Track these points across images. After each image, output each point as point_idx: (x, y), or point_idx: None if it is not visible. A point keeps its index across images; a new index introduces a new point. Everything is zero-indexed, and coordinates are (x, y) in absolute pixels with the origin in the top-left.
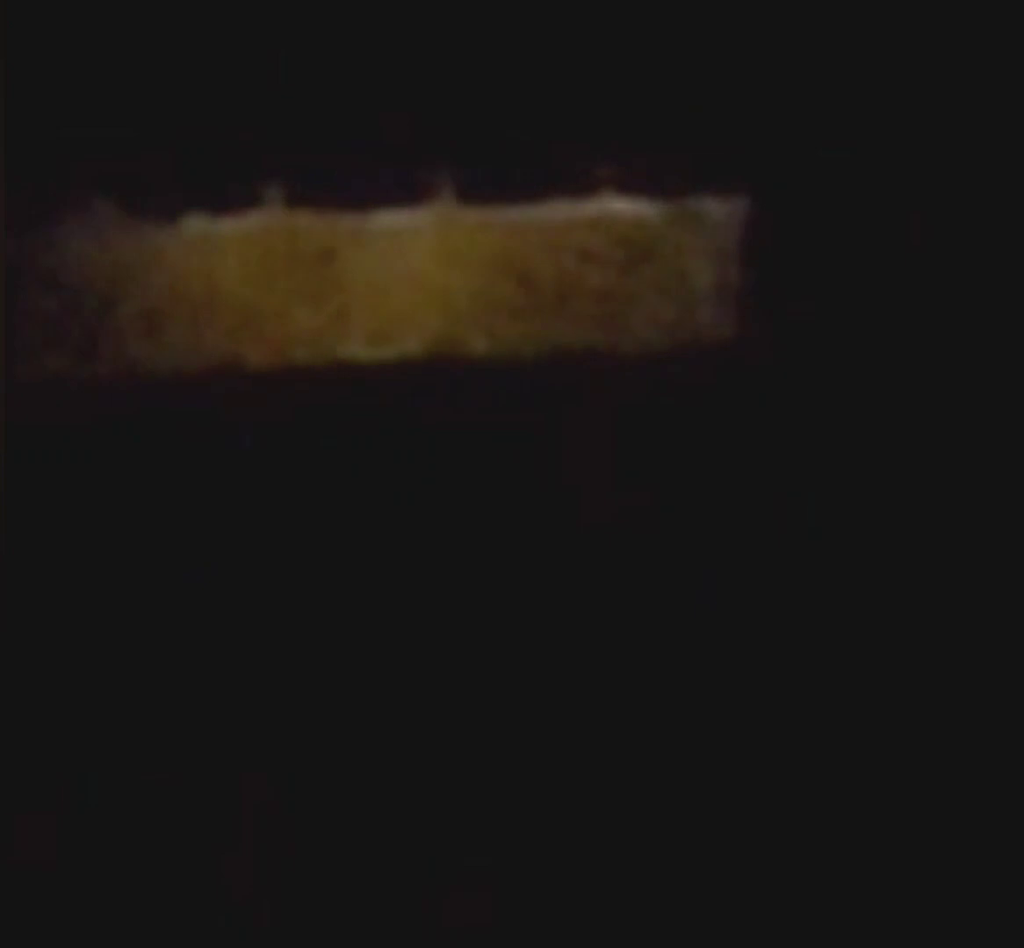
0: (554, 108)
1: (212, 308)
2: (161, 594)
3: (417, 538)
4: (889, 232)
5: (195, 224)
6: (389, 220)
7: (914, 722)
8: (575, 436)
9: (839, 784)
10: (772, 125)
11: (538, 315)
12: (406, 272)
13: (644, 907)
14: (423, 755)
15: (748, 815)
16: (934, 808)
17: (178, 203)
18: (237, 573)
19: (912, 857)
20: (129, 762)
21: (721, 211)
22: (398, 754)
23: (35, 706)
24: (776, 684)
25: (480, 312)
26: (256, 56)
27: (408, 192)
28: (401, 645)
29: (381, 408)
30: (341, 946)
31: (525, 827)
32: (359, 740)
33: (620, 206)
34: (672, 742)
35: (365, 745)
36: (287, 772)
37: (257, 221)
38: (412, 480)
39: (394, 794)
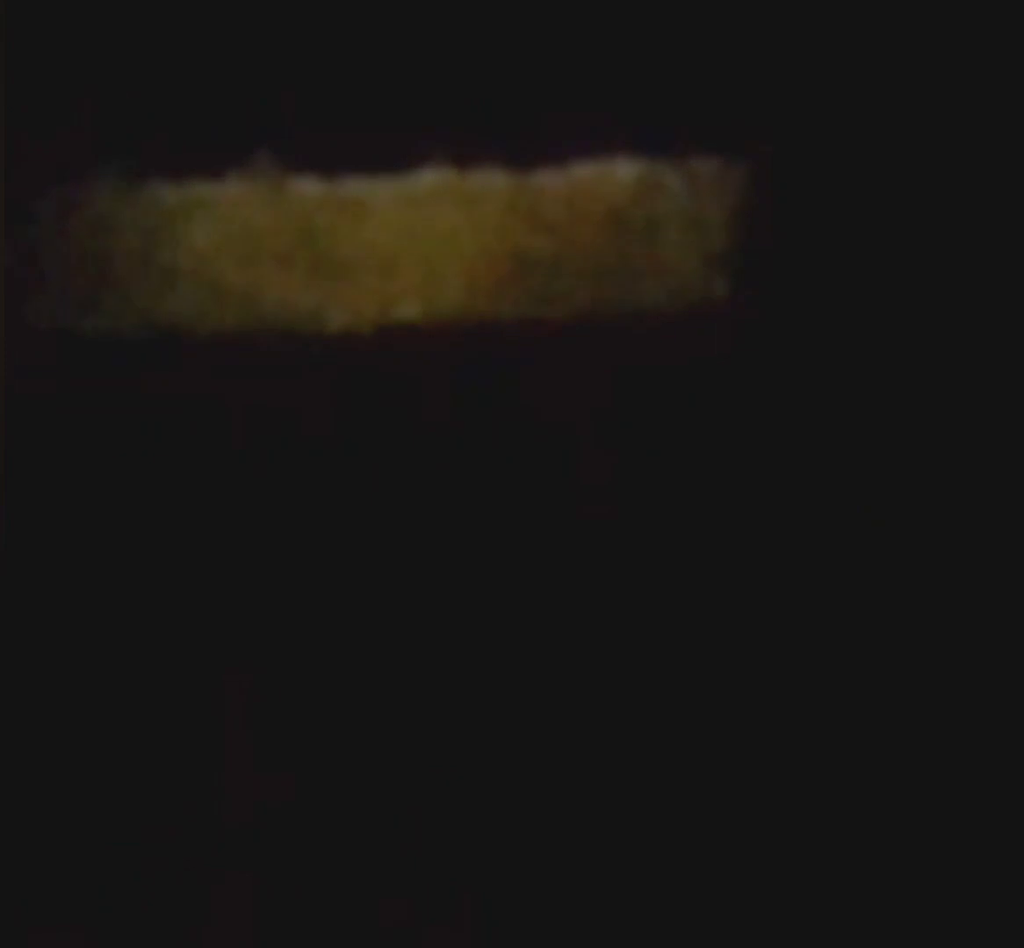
0: (552, 72)
1: (203, 274)
2: (161, 560)
3: (417, 507)
4: (892, 199)
5: (185, 188)
6: (385, 186)
7: (911, 707)
8: (572, 402)
9: (838, 784)
10: (777, 89)
11: (538, 280)
12: (403, 239)
13: (638, 919)
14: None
15: (746, 820)
16: (934, 808)
17: (172, 167)
18: (234, 545)
19: (912, 857)
20: (122, 744)
21: (725, 175)
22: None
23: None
24: (774, 662)
25: (478, 279)
26: (251, 19)
27: (404, 158)
28: (397, 632)
29: (379, 377)
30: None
31: (514, 825)
32: (353, 735)
33: (620, 171)
34: (672, 742)
35: (357, 740)
36: (284, 760)
37: (249, 186)
38: (415, 447)
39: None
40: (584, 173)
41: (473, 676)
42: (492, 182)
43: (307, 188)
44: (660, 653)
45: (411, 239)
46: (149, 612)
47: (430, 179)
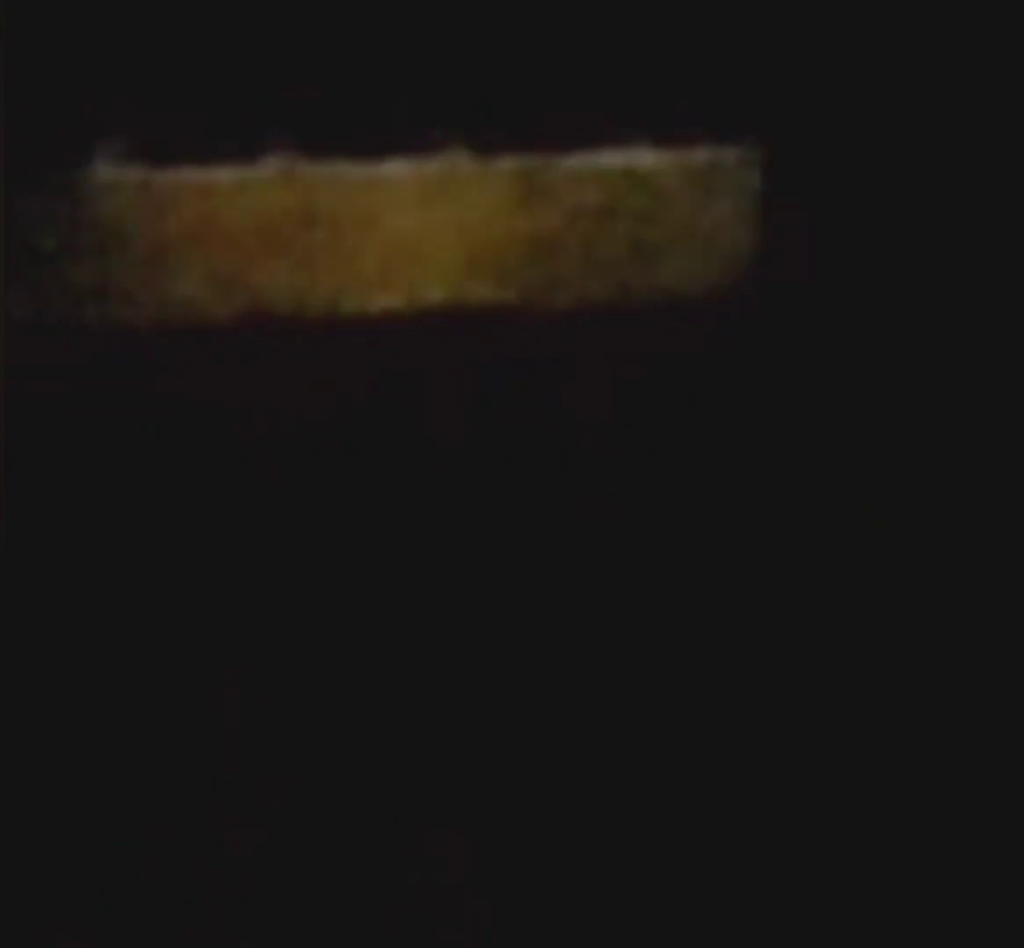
0: (566, 60)
1: (216, 258)
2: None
3: (422, 499)
4: (902, 190)
5: (200, 172)
6: (399, 171)
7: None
8: (581, 388)
9: (838, 782)
10: (791, 78)
11: (549, 268)
12: (417, 224)
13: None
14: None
15: (744, 814)
16: (934, 808)
17: (185, 150)
18: (236, 542)
19: (912, 857)
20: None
21: (739, 164)
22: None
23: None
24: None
25: (491, 264)
26: (259, 4)
27: (418, 144)
28: (398, 629)
29: (390, 359)
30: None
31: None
32: (350, 720)
33: (634, 159)
34: (668, 724)
35: (354, 727)
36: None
37: (262, 170)
38: (420, 427)
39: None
40: (599, 162)
41: (473, 673)
42: (503, 169)
43: (318, 173)
44: (679, 643)
45: (423, 225)
46: (150, 611)
47: (443, 165)
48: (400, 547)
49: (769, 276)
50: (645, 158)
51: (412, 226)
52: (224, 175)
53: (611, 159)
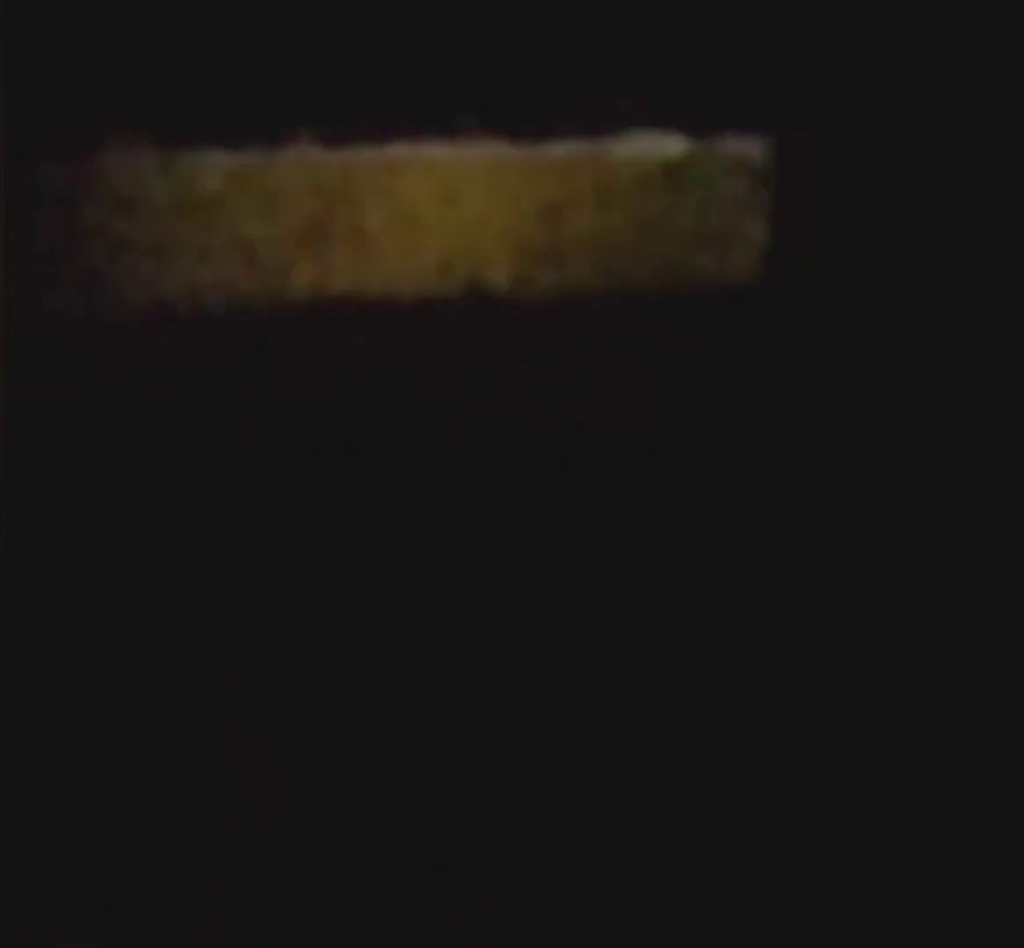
0: (583, 44)
1: (233, 244)
2: (167, 541)
3: (434, 484)
4: (920, 178)
5: (218, 158)
6: (412, 157)
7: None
8: (597, 375)
9: (838, 783)
10: (804, 63)
11: (563, 254)
12: (430, 210)
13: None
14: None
15: (745, 808)
16: (934, 808)
17: (202, 137)
18: (239, 541)
19: (912, 856)
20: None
21: (752, 150)
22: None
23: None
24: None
25: (504, 250)
26: None
27: (443, 131)
28: (398, 627)
29: (402, 348)
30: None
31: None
32: (354, 730)
33: (649, 144)
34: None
35: (359, 737)
36: (286, 748)
37: (282, 156)
38: (432, 420)
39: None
40: (614, 148)
41: (477, 672)
42: (521, 155)
43: (339, 159)
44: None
45: (445, 212)
46: (151, 609)
47: (459, 151)
48: (407, 546)
49: (783, 266)
50: (665, 148)
51: (435, 213)
52: (242, 160)
53: (633, 147)
